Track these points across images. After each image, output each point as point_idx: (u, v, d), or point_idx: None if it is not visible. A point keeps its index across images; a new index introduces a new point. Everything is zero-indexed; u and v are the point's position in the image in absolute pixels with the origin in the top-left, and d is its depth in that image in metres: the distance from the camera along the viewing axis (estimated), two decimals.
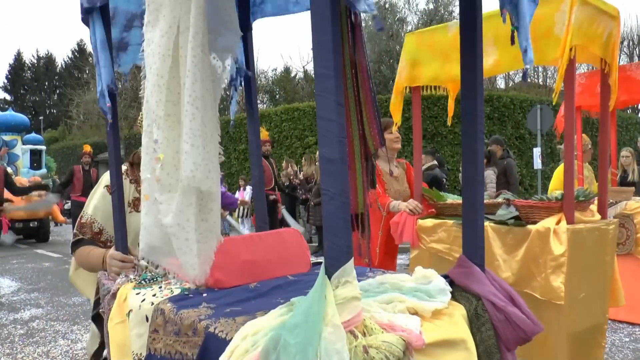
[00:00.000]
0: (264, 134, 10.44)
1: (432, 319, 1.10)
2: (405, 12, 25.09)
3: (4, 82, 49.20)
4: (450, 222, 3.42)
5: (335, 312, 0.91)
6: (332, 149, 0.98)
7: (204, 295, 1.39)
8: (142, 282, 1.56)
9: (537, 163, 11.33)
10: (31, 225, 12.65)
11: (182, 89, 1.33)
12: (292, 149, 16.33)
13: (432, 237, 3.51)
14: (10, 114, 16.72)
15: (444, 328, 1.08)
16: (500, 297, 1.22)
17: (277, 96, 26.17)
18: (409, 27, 25.01)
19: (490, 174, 8.59)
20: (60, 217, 13.19)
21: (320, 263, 1.74)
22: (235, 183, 15.48)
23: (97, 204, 2.09)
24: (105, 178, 2.11)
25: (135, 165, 2.20)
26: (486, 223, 3.10)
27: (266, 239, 1.63)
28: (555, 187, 4.94)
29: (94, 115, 33.14)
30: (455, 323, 1.12)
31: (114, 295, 1.53)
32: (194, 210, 1.30)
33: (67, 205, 16.11)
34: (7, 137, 14.80)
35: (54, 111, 47.73)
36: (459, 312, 1.18)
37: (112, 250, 1.82)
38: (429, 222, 3.55)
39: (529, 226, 2.98)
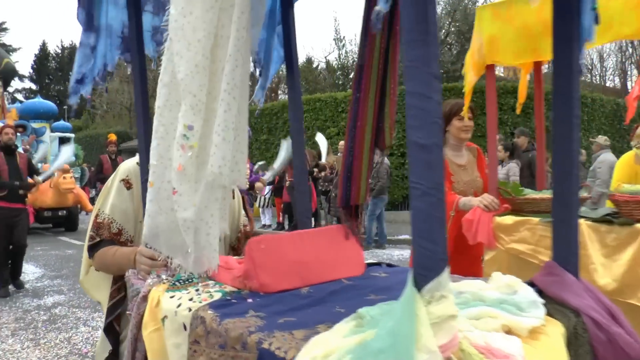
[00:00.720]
0: None
1: (529, 339, 0.91)
2: None
3: (29, 72, 49.80)
4: (535, 219, 2.97)
5: (430, 334, 0.72)
6: (426, 133, 0.79)
7: (249, 300, 1.23)
8: (176, 283, 1.38)
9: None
10: (60, 214, 12.46)
11: (220, 74, 1.22)
12: (314, 140, 16.17)
13: (512, 237, 3.06)
14: (39, 101, 16.50)
15: (544, 352, 0.89)
16: (602, 313, 1.01)
17: None
18: None
19: (513, 167, 8.33)
20: (89, 206, 12.96)
21: (376, 264, 1.57)
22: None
23: (113, 201, 1.86)
24: (121, 171, 1.90)
25: None
26: (580, 220, 2.80)
27: (315, 236, 1.45)
28: (621, 178, 4.20)
29: (116, 105, 33.48)
30: (554, 345, 0.92)
31: (145, 298, 1.36)
32: (219, 204, 1.23)
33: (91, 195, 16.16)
34: (35, 125, 14.64)
35: (78, 100, 48.17)
36: (557, 330, 0.97)
37: (141, 247, 1.65)
38: (509, 219, 3.09)
39: (638, 225, 2.59)
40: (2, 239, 6.84)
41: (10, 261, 7.11)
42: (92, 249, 1.86)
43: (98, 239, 1.84)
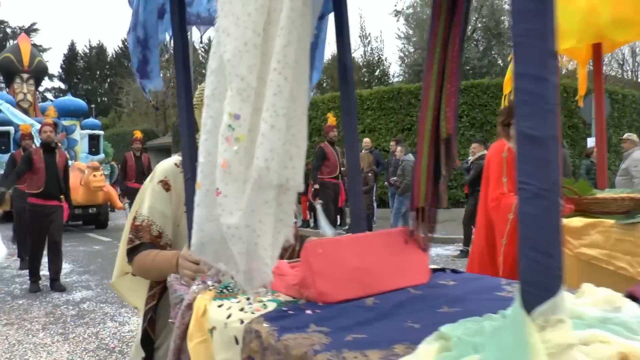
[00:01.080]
0: (331, 119, 10.14)
1: None
2: None
3: (58, 72, 50.66)
4: (609, 221, 2.70)
5: None
6: (539, 122, 0.64)
7: (308, 312, 1.09)
8: (224, 290, 1.25)
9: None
10: (90, 211, 12.53)
11: (271, 51, 1.04)
12: (340, 137, 16.06)
13: (582, 241, 2.80)
14: (69, 99, 16.62)
15: None
16: None
17: (325, 84, 25.88)
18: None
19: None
20: (119, 204, 12.95)
21: (440, 270, 1.43)
22: None
23: (152, 203, 1.73)
24: (159, 171, 1.78)
25: None
26: None
27: (376, 239, 1.31)
28: None
29: (142, 103, 33.79)
30: None
31: (190, 307, 1.24)
32: (270, 209, 1.03)
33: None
34: (66, 122, 14.73)
35: (105, 99, 48.88)
36: None
37: (184, 250, 1.54)
38: (577, 221, 2.83)
39: None
40: (36, 235, 6.80)
41: (48, 260, 7.02)
42: (131, 252, 1.73)
43: (138, 242, 1.71)
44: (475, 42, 23.72)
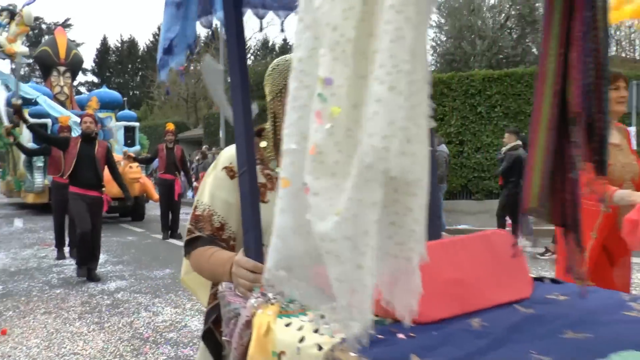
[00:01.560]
0: None
1: None
2: None
3: (92, 66, 51.68)
4: None
5: None
6: None
7: (401, 336, 0.90)
8: (290, 305, 1.05)
9: (633, 143, 10.26)
10: (127, 203, 12.65)
11: None
12: None
13: None
14: (104, 91, 16.57)
15: None
16: None
17: None
18: (492, 1, 23.81)
19: None
20: (155, 195, 12.74)
21: (538, 279, 1.25)
22: None
23: (214, 190, 1.54)
24: (224, 157, 1.58)
25: (262, 138, 1.64)
26: None
27: (471, 245, 1.11)
28: None
29: (174, 96, 34.18)
30: None
31: (249, 324, 1.05)
32: (379, 214, 0.74)
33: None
34: (101, 114, 14.87)
35: (137, 92, 49.69)
36: None
37: (239, 255, 1.33)
38: None
39: None
40: (80, 221, 6.73)
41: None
42: (189, 244, 1.55)
43: (197, 234, 1.52)
44: (508, 31, 23.17)
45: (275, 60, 1.60)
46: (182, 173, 10.55)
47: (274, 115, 1.59)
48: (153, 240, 10.35)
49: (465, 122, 13.50)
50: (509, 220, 8.42)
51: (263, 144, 1.62)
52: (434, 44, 25.02)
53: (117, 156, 12.77)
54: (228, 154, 1.58)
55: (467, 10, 23.03)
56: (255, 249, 1.33)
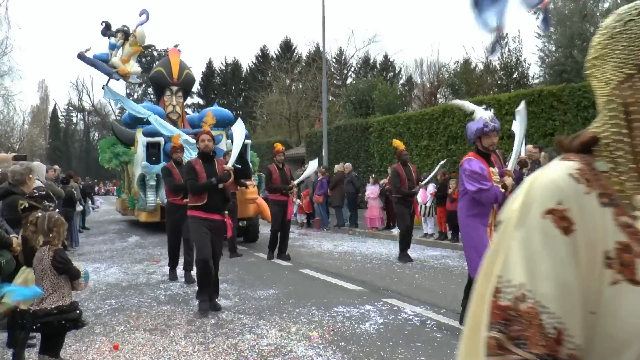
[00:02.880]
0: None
1: None
2: None
3: (197, 89, 54.66)
4: None
5: None
6: None
7: None
8: None
9: None
10: (240, 224, 12.01)
11: None
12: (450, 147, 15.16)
13: None
14: (216, 108, 16.10)
15: None
16: None
17: (459, 90, 24.88)
18: (606, 4, 22.08)
19: None
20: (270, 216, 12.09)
21: None
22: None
23: (539, 264, 0.84)
24: (542, 190, 0.89)
25: (594, 155, 0.96)
26: None
27: None
28: None
29: (275, 115, 35.11)
30: None
31: None
32: None
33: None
34: (213, 132, 14.42)
35: (240, 112, 51.70)
36: None
37: None
38: None
39: None
40: (205, 242, 6.17)
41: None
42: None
43: (516, 354, 0.82)
44: None
45: (627, 7, 0.93)
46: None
47: (625, 109, 0.91)
48: (257, 259, 10.34)
49: None
50: None
51: (601, 165, 0.94)
52: (542, 54, 23.69)
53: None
54: (547, 184, 0.90)
55: (578, 16, 21.55)
56: None
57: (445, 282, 7.77)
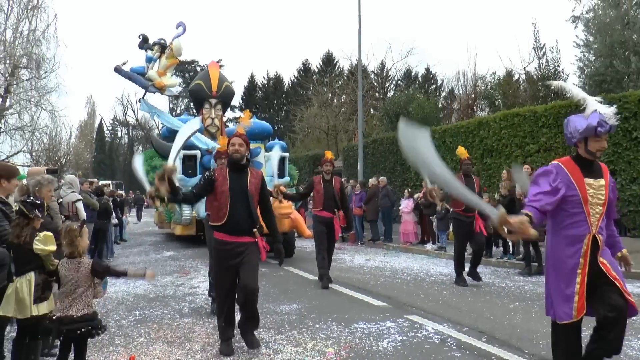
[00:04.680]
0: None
1: None
2: None
3: (239, 103, 55.58)
4: None
5: None
6: None
7: None
8: None
9: None
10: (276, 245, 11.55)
11: None
12: (512, 158, 14.76)
13: None
14: (254, 121, 15.32)
15: None
16: None
17: (496, 102, 24.41)
18: None
19: None
20: (307, 232, 11.64)
21: None
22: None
23: None
24: None
25: None
26: None
27: None
28: None
29: (315, 129, 35.23)
30: None
31: None
32: None
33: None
34: (251, 145, 14.22)
35: (281, 126, 52.23)
36: None
37: None
38: None
39: None
40: (223, 280, 5.21)
41: (239, 309, 5.32)
42: None
43: None
44: None
45: None
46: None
47: None
48: (285, 272, 10.31)
49: (617, 149, 11.94)
50: None
51: None
52: (581, 64, 23.05)
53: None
54: None
55: (619, 24, 20.83)
56: None
57: (473, 300, 7.55)
